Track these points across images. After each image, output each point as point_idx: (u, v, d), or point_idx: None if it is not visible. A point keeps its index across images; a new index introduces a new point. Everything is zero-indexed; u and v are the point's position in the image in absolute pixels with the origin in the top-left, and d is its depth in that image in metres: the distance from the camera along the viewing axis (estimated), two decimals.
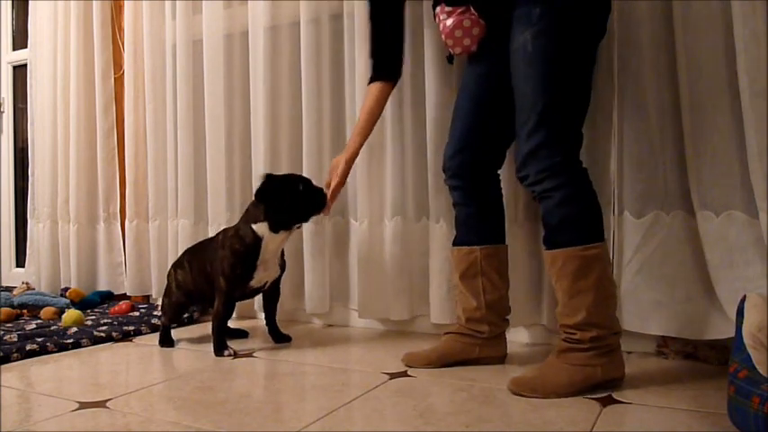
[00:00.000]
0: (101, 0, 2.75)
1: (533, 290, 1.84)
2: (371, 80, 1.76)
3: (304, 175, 1.99)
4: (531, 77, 1.42)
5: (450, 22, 1.57)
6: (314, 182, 1.84)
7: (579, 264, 1.38)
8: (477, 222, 1.64)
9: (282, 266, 1.94)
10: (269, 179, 1.80)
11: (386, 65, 1.76)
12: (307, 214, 1.82)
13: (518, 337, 1.88)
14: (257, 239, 1.79)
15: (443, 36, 1.61)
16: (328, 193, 1.81)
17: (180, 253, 2.13)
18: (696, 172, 1.56)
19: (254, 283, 1.85)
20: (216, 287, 1.85)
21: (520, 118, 1.45)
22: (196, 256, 1.98)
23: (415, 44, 1.97)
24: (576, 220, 1.40)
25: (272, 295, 1.97)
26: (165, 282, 2.06)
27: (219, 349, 1.81)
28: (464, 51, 1.62)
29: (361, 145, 1.81)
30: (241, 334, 2.04)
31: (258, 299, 2.25)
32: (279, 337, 1.97)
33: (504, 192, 1.70)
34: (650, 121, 1.63)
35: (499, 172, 1.69)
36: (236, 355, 1.79)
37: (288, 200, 1.77)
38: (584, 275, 1.38)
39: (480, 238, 1.63)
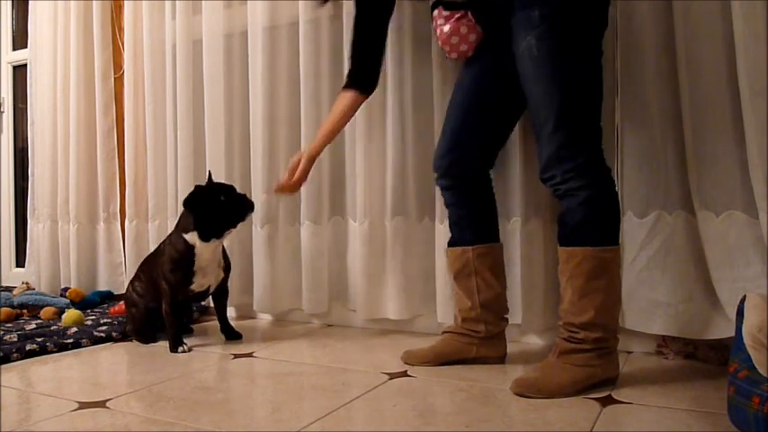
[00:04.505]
0: (101, 0, 2.75)
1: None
2: (346, 87, 1.73)
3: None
4: (542, 79, 1.42)
5: (447, 28, 1.58)
6: (237, 189, 1.92)
7: (595, 264, 1.39)
8: (469, 222, 1.65)
9: (226, 269, 1.99)
10: (195, 190, 1.87)
11: (365, 75, 1.73)
12: (232, 221, 1.90)
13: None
14: (189, 248, 1.86)
15: (440, 42, 1.63)
16: (290, 179, 1.79)
17: None
18: (696, 172, 1.56)
19: (195, 287, 1.91)
20: (160, 290, 1.91)
21: (537, 120, 1.45)
22: (146, 266, 2.05)
23: (418, 44, 1.97)
24: (597, 220, 1.41)
25: (219, 295, 2.02)
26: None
27: (174, 347, 1.86)
28: (461, 56, 1.64)
29: (323, 147, 1.81)
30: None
31: (256, 296, 2.26)
32: (230, 335, 2.01)
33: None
34: (652, 122, 1.62)
35: (490, 171, 1.69)
36: (190, 350, 1.85)
37: (211, 210, 1.86)
38: (598, 276, 1.39)
39: (473, 238, 1.63)
